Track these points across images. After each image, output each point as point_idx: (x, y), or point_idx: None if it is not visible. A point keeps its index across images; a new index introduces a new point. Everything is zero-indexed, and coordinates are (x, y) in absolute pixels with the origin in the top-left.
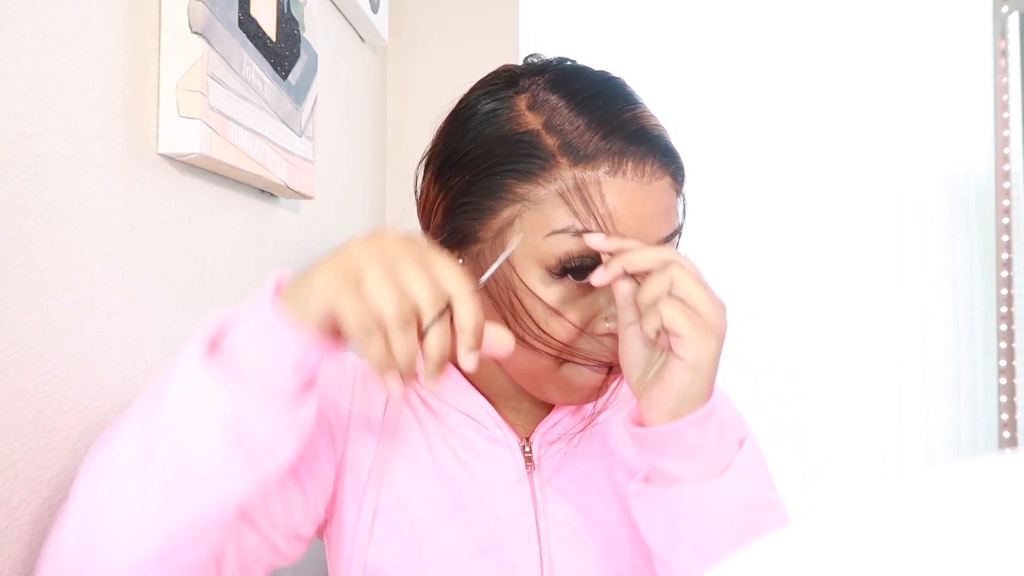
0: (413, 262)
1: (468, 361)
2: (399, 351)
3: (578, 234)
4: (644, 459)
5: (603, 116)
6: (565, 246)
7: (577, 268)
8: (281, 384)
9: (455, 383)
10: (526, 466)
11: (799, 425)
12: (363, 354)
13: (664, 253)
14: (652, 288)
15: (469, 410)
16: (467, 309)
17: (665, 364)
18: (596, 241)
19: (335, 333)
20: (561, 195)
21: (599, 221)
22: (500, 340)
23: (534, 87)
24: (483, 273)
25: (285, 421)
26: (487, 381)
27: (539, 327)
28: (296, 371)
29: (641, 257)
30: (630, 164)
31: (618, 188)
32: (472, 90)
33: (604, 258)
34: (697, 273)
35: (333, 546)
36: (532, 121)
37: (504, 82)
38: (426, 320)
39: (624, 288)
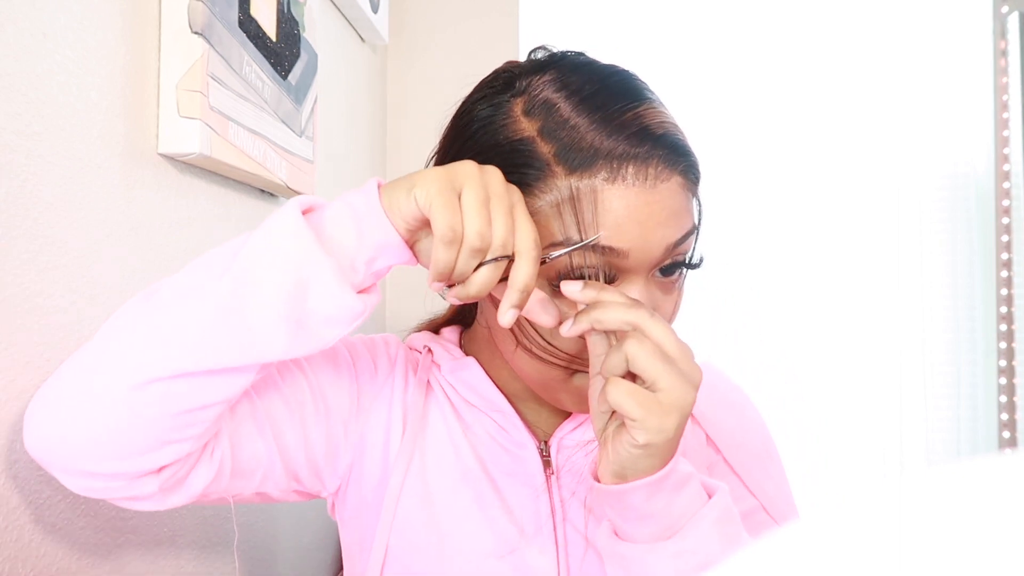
0: (506, 205)
1: (506, 317)
2: (461, 268)
3: (573, 247)
4: (600, 511)
5: (602, 117)
6: (564, 259)
7: (579, 279)
8: (350, 270)
9: (477, 380)
10: (545, 470)
11: (799, 425)
12: (434, 256)
13: (633, 315)
14: (608, 364)
15: (490, 409)
16: (525, 268)
17: (618, 431)
18: (571, 291)
19: (411, 239)
20: (557, 206)
21: (582, 233)
22: (546, 312)
23: (531, 89)
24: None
25: (342, 307)
26: (508, 381)
27: (545, 339)
28: (368, 264)
29: (610, 316)
30: (631, 168)
31: (618, 195)
32: (472, 93)
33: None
34: (663, 338)
35: (350, 525)
36: (527, 127)
37: (502, 84)
38: (489, 255)
39: (596, 339)
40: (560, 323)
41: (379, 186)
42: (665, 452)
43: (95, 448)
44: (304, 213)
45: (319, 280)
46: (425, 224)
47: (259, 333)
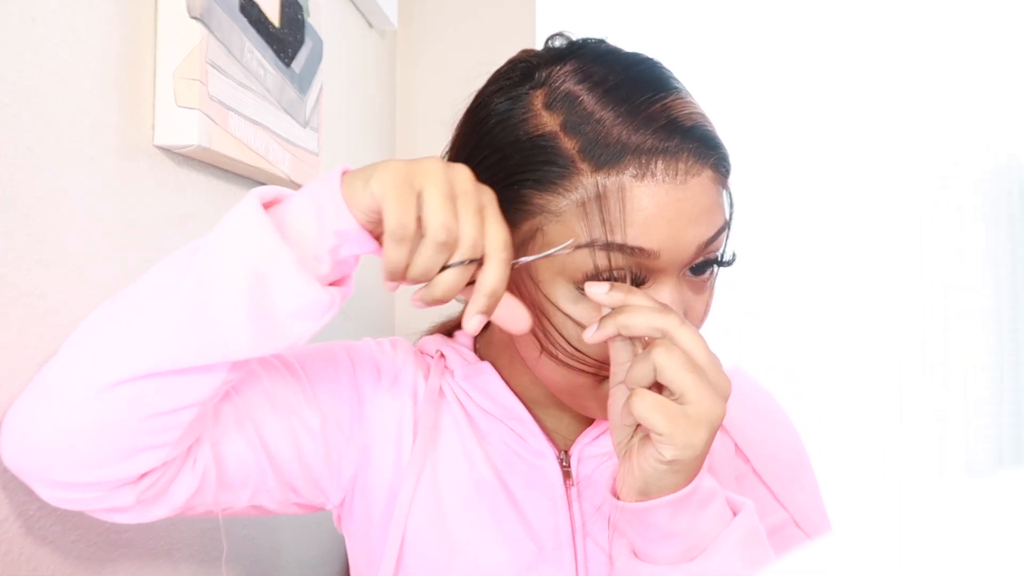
0: (474, 205)
1: (472, 323)
2: (421, 263)
3: (603, 248)
4: (620, 530)
5: (628, 110)
6: (591, 261)
7: (607, 282)
8: (314, 260)
9: (493, 386)
10: (565, 481)
11: (829, 432)
12: (384, 252)
13: (662, 320)
14: (634, 375)
15: (506, 416)
16: (494, 272)
17: (642, 445)
18: (596, 293)
19: (375, 231)
20: (583, 205)
21: (609, 233)
22: (517, 317)
23: (552, 80)
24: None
25: (306, 300)
26: (526, 387)
27: (572, 345)
28: (332, 252)
29: (637, 322)
30: (660, 163)
31: (647, 192)
32: (487, 84)
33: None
34: (693, 347)
35: (357, 539)
36: (549, 122)
37: (520, 75)
38: (456, 258)
39: (620, 346)
40: (531, 328)
41: (344, 173)
42: (692, 468)
43: (67, 456)
44: (269, 205)
45: (280, 271)
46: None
47: (224, 329)
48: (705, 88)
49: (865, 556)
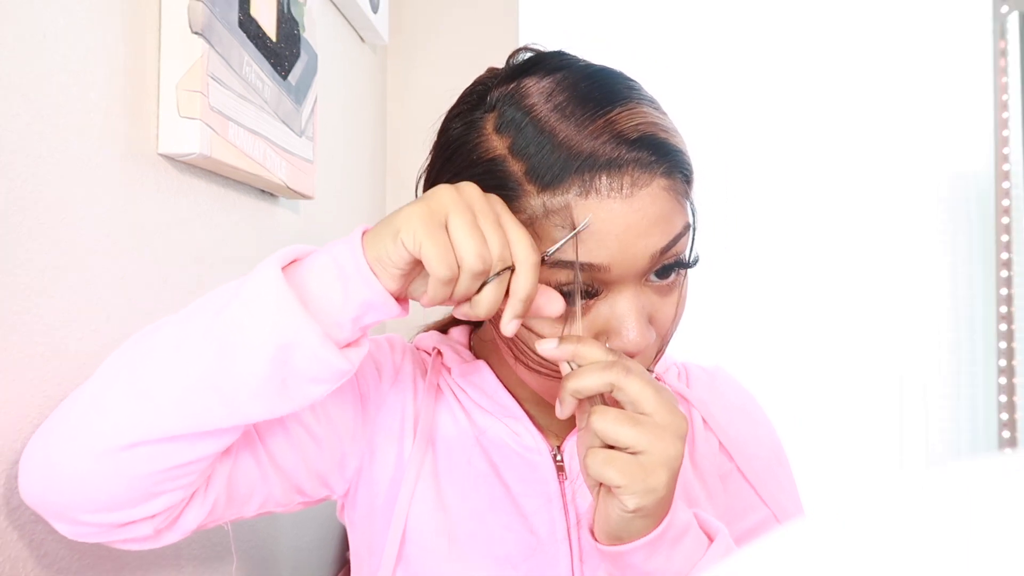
0: (493, 218)
1: (509, 327)
2: (462, 291)
3: (554, 265)
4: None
5: (570, 128)
6: (544, 276)
7: (567, 294)
8: (335, 328)
9: (488, 383)
10: (558, 475)
11: (798, 426)
12: (431, 293)
13: (609, 375)
14: (583, 441)
15: (502, 413)
16: (527, 278)
17: (607, 493)
18: (547, 350)
19: (404, 285)
20: (531, 226)
21: (557, 252)
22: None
23: (502, 103)
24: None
25: (326, 368)
26: (518, 384)
27: (538, 354)
28: (354, 322)
29: (586, 384)
30: (604, 179)
31: (592, 209)
32: (451, 108)
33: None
34: (638, 395)
35: (359, 528)
36: (499, 146)
37: (477, 98)
38: (491, 273)
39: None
40: (501, 337)
41: (364, 234)
42: (658, 511)
43: (85, 502)
44: (287, 264)
45: (305, 345)
46: (418, 264)
47: (243, 396)
48: (694, 96)
49: (863, 555)
